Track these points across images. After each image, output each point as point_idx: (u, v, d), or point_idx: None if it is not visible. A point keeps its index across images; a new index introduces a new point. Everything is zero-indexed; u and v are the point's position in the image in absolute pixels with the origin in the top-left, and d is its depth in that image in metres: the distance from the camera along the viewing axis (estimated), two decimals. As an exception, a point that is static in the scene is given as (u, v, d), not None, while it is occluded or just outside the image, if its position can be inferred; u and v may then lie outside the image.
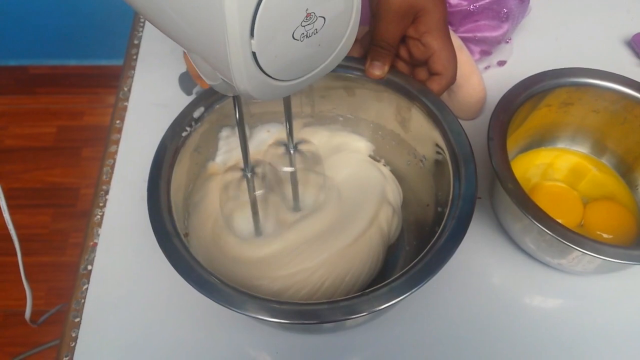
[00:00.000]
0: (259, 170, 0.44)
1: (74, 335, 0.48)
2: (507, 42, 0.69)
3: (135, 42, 0.67)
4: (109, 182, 0.56)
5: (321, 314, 0.35)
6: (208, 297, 0.36)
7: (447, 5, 0.61)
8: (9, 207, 0.53)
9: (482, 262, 0.53)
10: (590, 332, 0.50)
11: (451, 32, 0.59)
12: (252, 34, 0.28)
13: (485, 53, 0.65)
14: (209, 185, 0.50)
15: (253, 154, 0.50)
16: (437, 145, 0.46)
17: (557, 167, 0.57)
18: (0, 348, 1.21)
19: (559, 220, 0.52)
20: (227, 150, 0.51)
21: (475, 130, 0.61)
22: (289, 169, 0.46)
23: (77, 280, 0.51)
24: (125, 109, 0.62)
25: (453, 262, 0.52)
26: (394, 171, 0.54)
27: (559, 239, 0.44)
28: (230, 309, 0.36)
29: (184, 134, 0.46)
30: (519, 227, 0.50)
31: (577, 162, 0.57)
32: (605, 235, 0.52)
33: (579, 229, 0.53)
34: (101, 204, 0.55)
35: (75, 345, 0.47)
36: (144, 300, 0.50)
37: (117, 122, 0.60)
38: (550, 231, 0.45)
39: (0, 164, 1.42)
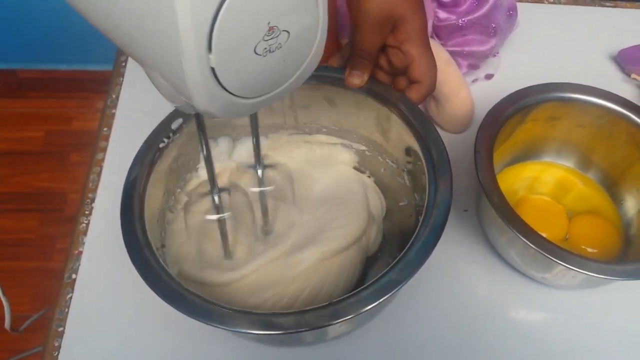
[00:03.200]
0: (225, 192, 0.43)
1: (56, 344, 0.47)
2: (495, 55, 0.69)
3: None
4: (95, 190, 0.56)
5: (286, 324, 0.35)
6: (173, 307, 0.36)
7: (436, 19, 0.61)
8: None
9: (467, 274, 0.53)
10: (574, 346, 0.50)
11: (439, 46, 0.59)
12: (209, 49, 0.26)
13: (473, 67, 0.66)
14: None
15: (235, 167, 0.50)
16: (415, 153, 0.46)
17: (543, 181, 0.58)
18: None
19: (544, 234, 0.52)
20: (236, 177, 0.50)
21: (463, 143, 0.61)
22: (257, 189, 0.46)
23: (61, 289, 0.50)
24: (113, 116, 0.61)
25: (437, 273, 0.53)
26: (378, 182, 0.54)
27: (543, 253, 0.45)
28: (195, 319, 0.36)
29: (161, 145, 0.46)
30: (504, 240, 0.51)
31: (563, 176, 0.58)
32: (589, 250, 0.53)
33: (564, 242, 0.54)
34: (87, 212, 0.55)
35: (58, 355, 0.47)
36: (128, 311, 0.49)
37: (105, 129, 0.60)
38: (534, 245, 0.45)
39: (-6, 168, 1.41)
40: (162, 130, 0.47)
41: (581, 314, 0.52)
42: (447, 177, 0.43)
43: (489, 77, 0.68)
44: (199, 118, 0.38)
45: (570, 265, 0.44)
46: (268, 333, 0.36)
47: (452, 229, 0.56)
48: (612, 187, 0.56)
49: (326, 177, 0.53)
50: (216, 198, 0.43)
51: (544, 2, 0.76)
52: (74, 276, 0.51)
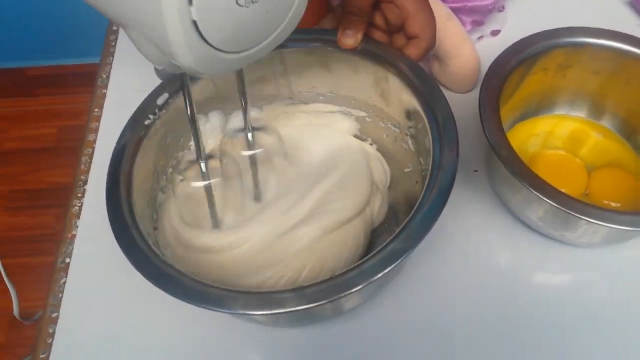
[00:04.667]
0: (214, 158, 0.41)
1: (51, 331, 0.46)
2: (500, 10, 0.65)
3: (114, 28, 0.65)
4: (87, 172, 0.54)
5: (284, 301, 0.33)
6: (163, 290, 0.34)
7: (436, -28, 0.58)
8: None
9: (481, 238, 0.50)
10: (600, 308, 0.46)
11: (438, 0, 0.56)
12: (190, 1, 0.26)
13: (478, 23, 0.62)
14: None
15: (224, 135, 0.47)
16: (417, 114, 0.43)
17: (557, 135, 0.54)
18: (8, 350, 1.21)
19: (565, 190, 0.49)
20: (225, 143, 0.48)
21: (470, 103, 0.58)
22: (247, 153, 0.43)
23: (55, 274, 0.48)
24: (104, 96, 0.59)
25: (448, 240, 0.50)
26: (381, 149, 0.51)
27: (561, 207, 0.41)
28: (189, 302, 0.34)
29: (146, 122, 0.43)
30: (518, 198, 0.47)
31: (579, 128, 0.54)
32: (612, 204, 0.49)
33: (584, 198, 0.50)
34: (79, 195, 0.53)
35: (52, 342, 0.45)
36: (123, 294, 0.47)
37: (96, 110, 0.58)
38: (550, 200, 0.42)
39: (1, 167, 1.41)
40: (147, 107, 0.44)
41: (606, 273, 0.48)
42: (453, 135, 0.40)
43: (495, 33, 0.64)
44: (183, 79, 0.36)
45: (591, 218, 0.40)
46: (266, 313, 0.33)
47: (462, 191, 0.52)
48: (631, 135, 0.52)
49: (325, 147, 0.50)
50: (203, 165, 0.41)
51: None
52: (67, 260, 0.49)
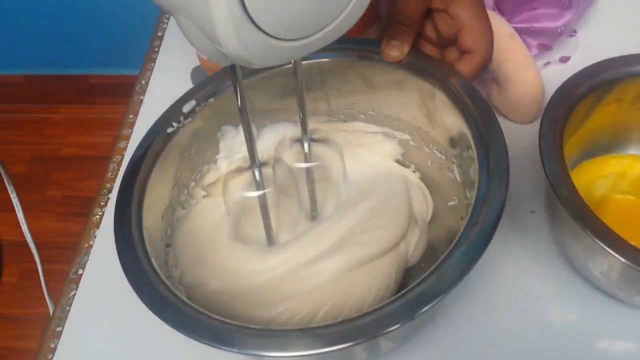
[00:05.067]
0: (268, 168, 0.37)
1: (52, 346, 0.43)
2: (572, 35, 0.59)
3: (159, 34, 0.63)
4: (113, 180, 0.52)
5: (287, 341, 0.28)
6: (156, 315, 0.30)
7: (500, -10, 0.53)
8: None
9: (534, 290, 0.44)
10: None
11: (500, 18, 0.51)
12: None
13: (545, 47, 0.56)
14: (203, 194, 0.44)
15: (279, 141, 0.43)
16: (464, 137, 0.37)
17: (630, 178, 0.47)
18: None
19: (632, 243, 0.42)
20: (229, 153, 0.44)
21: (530, 136, 0.52)
22: (304, 165, 0.39)
23: (65, 285, 0.46)
24: (140, 102, 0.57)
25: (495, 288, 0.44)
26: (424, 178, 0.46)
27: (629, 263, 0.35)
28: (177, 330, 0.30)
29: (169, 130, 0.40)
30: (580, 248, 0.41)
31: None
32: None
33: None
34: (102, 203, 0.51)
35: (52, 358, 0.42)
36: (133, 315, 0.44)
37: (131, 116, 0.56)
38: (617, 253, 0.35)
39: (56, 172, 1.44)
40: (172, 114, 0.42)
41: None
42: (503, 166, 0.34)
43: (564, 60, 0.58)
44: (234, 71, 0.33)
45: None
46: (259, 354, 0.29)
47: (515, 234, 0.46)
48: None
49: (362, 170, 0.46)
50: (257, 173, 0.37)
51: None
52: (80, 272, 0.46)
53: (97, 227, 0.49)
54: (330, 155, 0.40)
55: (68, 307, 0.45)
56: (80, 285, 0.46)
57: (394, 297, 0.29)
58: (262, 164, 0.38)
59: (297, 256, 0.39)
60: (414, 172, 0.46)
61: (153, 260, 0.34)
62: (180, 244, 0.41)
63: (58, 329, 0.44)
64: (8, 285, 1.27)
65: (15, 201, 0.58)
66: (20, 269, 1.26)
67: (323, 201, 0.44)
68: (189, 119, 0.41)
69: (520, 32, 0.54)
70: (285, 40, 0.26)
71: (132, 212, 0.36)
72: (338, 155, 0.41)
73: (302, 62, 0.43)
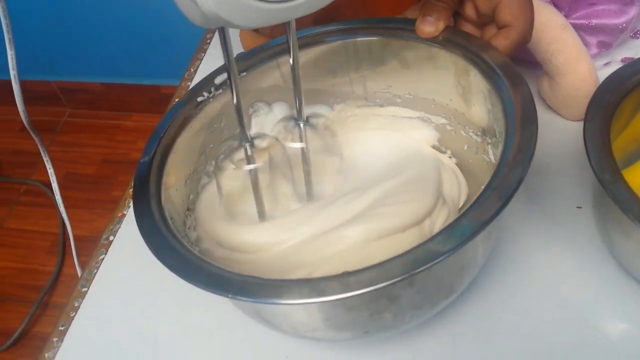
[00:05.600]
0: (261, 142, 0.37)
1: (76, 305, 0.44)
2: (637, 36, 0.56)
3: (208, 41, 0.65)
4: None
5: (282, 290, 0.27)
6: (181, 276, 0.30)
7: (557, -16, 0.51)
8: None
9: (577, 288, 0.40)
10: None
11: (552, 8, 0.48)
12: None
13: (605, 45, 0.53)
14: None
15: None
16: (498, 114, 0.35)
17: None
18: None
19: None
20: (260, 130, 0.44)
21: (582, 133, 0.49)
22: (298, 145, 0.39)
23: (96, 250, 0.47)
24: (187, 88, 0.59)
25: (538, 282, 0.40)
26: (461, 165, 0.44)
27: None
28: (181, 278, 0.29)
29: (199, 99, 0.41)
30: (630, 245, 0.37)
31: None
32: None
33: None
34: (140, 177, 0.52)
35: (74, 316, 0.43)
36: (157, 284, 0.44)
37: (176, 100, 0.58)
38: None
39: (124, 174, 1.50)
40: (205, 85, 0.42)
41: None
42: (532, 128, 0.32)
43: (626, 61, 0.54)
44: (223, 34, 0.32)
45: None
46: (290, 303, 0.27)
47: (559, 228, 0.43)
48: None
49: (395, 153, 0.44)
50: (248, 148, 0.37)
51: None
52: (111, 238, 0.47)
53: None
54: (324, 136, 0.40)
55: (95, 270, 0.45)
56: (109, 250, 0.47)
57: (400, 254, 0.27)
58: (253, 138, 0.37)
59: (321, 224, 0.38)
60: (450, 157, 0.44)
61: (166, 214, 0.34)
62: (201, 210, 0.41)
63: (83, 290, 0.44)
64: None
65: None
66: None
67: (320, 180, 0.43)
68: (220, 90, 0.42)
69: (579, 28, 0.52)
70: (266, 1, 0.25)
71: (153, 169, 0.37)
72: (332, 136, 0.41)
73: (338, 41, 0.44)
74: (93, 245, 0.58)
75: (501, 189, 0.29)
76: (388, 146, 0.45)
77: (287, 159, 0.40)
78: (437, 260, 0.27)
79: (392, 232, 0.36)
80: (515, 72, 0.36)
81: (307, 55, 0.44)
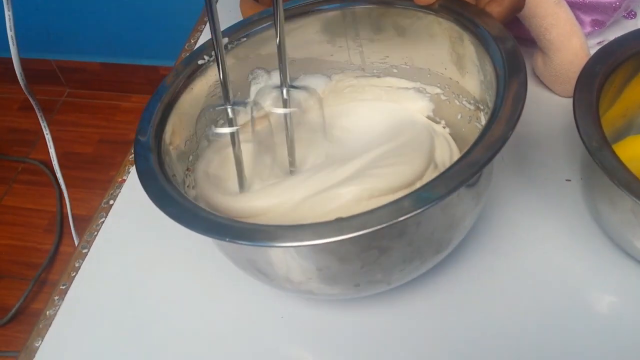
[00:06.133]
0: (243, 107, 0.38)
1: (77, 265, 0.45)
2: (631, 17, 0.57)
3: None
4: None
5: (273, 235, 0.28)
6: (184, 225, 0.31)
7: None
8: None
9: (567, 261, 0.41)
10: None
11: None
12: None
13: (599, 24, 0.54)
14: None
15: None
16: (491, 79, 0.36)
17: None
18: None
19: None
20: (259, 97, 0.45)
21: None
22: (282, 111, 0.40)
23: (97, 213, 0.48)
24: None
25: (525, 254, 0.41)
26: (454, 134, 0.45)
27: None
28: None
29: (200, 62, 0.42)
30: (616, 217, 0.38)
31: None
32: None
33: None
34: (140, 145, 0.53)
35: (75, 276, 0.44)
36: (152, 248, 0.45)
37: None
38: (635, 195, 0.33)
39: (122, 155, 1.50)
40: (206, 49, 0.43)
41: None
42: (520, 75, 0.33)
43: (620, 40, 0.55)
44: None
45: None
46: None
47: (548, 201, 0.44)
48: None
49: (388, 121, 0.46)
50: (230, 111, 0.38)
51: None
52: (111, 202, 0.48)
53: (132, 164, 0.51)
54: (310, 103, 0.41)
55: (96, 233, 0.46)
56: (109, 214, 0.48)
57: (390, 202, 0.28)
58: (236, 103, 0.39)
59: (314, 186, 0.39)
60: (444, 127, 0.45)
61: (166, 168, 0.35)
62: (199, 171, 0.42)
63: (84, 251, 0.45)
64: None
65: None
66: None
67: (307, 148, 0.44)
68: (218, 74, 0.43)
69: (573, 6, 0.52)
70: None
71: (153, 123, 0.37)
72: (318, 103, 0.42)
73: (335, 9, 0.44)
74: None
75: (486, 145, 0.30)
76: (383, 116, 0.46)
77: (272, 130, 0.41)
78: (426, 206, 0.28)
79: (384, 193, 0.37)
80: (507, 38, 0.37)
81: (305, 23, 0.44)
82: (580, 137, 0.36)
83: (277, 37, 0.38)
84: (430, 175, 0.40)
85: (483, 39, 0.37)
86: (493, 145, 0.30)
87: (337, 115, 0.47)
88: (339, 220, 0.28)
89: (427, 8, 0.41)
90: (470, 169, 0.29)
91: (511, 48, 0.36)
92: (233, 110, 0.38)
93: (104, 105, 1.59)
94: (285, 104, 0.41)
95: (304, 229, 0.28)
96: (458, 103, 0.43)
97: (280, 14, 0.37)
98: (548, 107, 0.50)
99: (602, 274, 0.41)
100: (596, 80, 0.39)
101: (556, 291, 0.40)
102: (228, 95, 0.37)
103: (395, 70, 0.47)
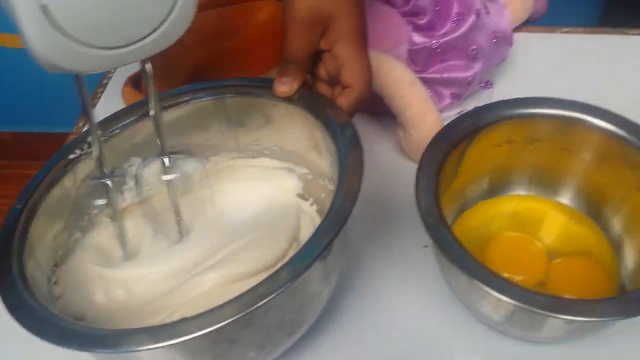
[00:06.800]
0: (122, 178, 0.40)
1: None
2: (487, 87, 0.63)
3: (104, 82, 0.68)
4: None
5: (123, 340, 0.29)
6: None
7: (410, 44, 0.57)
8: None
9: (426, 330, 0.44)
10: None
11: (404, 66, 0.54)
12: None
13: (457, 96, 0.59)
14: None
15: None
16: (336, 165, 0.40)
17: (523, 217, 0.49)
18: None
19: (519, 277, 0.44)
20: (136, 184, 0.46)
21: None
22: (165, 177, 0.41)
23: None
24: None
25: (388, 321, 0.44)
26: (321, 210, 0.48)
27: (474, 278, 0.36)
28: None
29: (71, 156, 0.43)
30: (461, 283, 0.42)
31: (546, 211, 0.49)
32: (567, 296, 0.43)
33: (539, 288, 0.44)
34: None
35: None
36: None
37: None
38: (468, 273, 0.36)
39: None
40: (78, 143, 0.44)
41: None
42: (358, 177, 0.36)
43: (478, 109, 0.61)
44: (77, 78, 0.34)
45: (498, 293, 0.34)
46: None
47: (406, 267, 0.48)
48: (601, 218, 0.47)
49: (260, 202, 0.48)
50: (109, 183, 0.39)
51: (555, 32, 0.70)
52: None
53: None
54: (193, 170, 0.43)
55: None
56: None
57: (230, 299, 0.31)
58: (114, 175, 0.40)
59: (181, 269, 0.41)
60: (311, 204, 0.48)
61: (27, 271, 0.36)
62: (73, 263, 0.42)
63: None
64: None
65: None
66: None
67: (188, 220, 0.46)
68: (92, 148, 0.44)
69: (434, 82, 0.58)
70: (95, 47, 0.28)
71: (19, 226, 0.38)
72: (202, 168, 0.44)
73: (208, 99, 0.47)
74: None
75: (324, 229, 0.33)
76: (256, 196, 0.49)
77: (155, 200, 0.43)
78: (264, 300, 0.30)
79: (246, 277, 0.40)
80: (350, 125, 0.41)
81: (180, 112, 0.47)
82: (420, 212, 0.40)
83: (151, 108, 0.39)
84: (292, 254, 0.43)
85: (331, 127, 0.41)
86: (330, 229, 0.33)
87: (216, 195, 0.50)
88: (183, 320, 0.30)
89: (287, 99, 0.44)
90: (305, 261, 0.32)
91: (352, 135, 0.40)
92: (113, 182, 0.39)
93: (15, 175, 1.55)
94: (166, 172, 0.42)
95: (147, 332, 0.29)
96: (321, 182, 0.47)
97: (155, 84, 0.39)
98: (410, 175, 0.54)
99: (460, 339, 0.44)
100: (436, 159, 0.43)
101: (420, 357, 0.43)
102: (104, 171, 0.39)
103: (267, 152, 0.50)
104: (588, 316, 0.34)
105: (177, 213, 0.44)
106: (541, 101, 0.46)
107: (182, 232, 0.45)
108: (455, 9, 0.55)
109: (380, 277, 0.47)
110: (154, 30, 0.30)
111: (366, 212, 0.52)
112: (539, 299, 0.35)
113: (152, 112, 0.39)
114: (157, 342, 0.29)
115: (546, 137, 0.47)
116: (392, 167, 0.55)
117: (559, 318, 0.35)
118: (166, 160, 0.41)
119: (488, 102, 0.60)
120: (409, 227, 0.50)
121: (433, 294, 0.46)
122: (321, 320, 0.41)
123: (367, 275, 0.48)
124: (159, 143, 0.41)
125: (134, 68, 0.57)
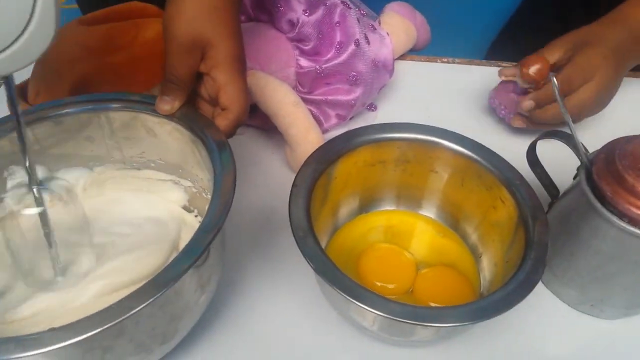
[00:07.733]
0: None
1: None
2: (372, 109, 0.68)
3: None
4: None
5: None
6: None
7: (298, 67, 0.60)
8: None
9: (301, 334, 0.47)
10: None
11: (288, 88, 0.57)
12: None
13: (342, 117, 0.63)
14: None
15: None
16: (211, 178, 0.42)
17: (396, 230, 0.53)
18: None
19: (391, 286, 0.48)
20: (16, 192, 0.45)
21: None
22: (35, 211, 0.40)
23: None
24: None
25: (263, 328, 0.47)
26: (204, 222, 0.50)
27: (336, 287, 0.39)
28: None
29: None
30: (334, 294, 0.45)
31: (416, 225, 0.53)
32: (433, 305, 0.47)
33: (408, 296, 0.48)
34: None
35: None
36: None
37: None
38: (327, 281, 0.39)
39: None
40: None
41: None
42: (228, 199, 0.39)
43: (362, 130, 0.65)
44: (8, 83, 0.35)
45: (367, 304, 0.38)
46: None
47: (286, 281, 0.51)
48: (466, 238, 0.52)
49: (146, 213, 0.49)
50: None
51: (437, 62, 0.76)
52: None
53: None
54: (65, 200, 0.43)
55: None
56: None
57: (97, 312, 0.32)
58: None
59: (62, 284, 0.42)
60: (196, 216, 0.50)
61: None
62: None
63: None
64: None
65: None
66: None
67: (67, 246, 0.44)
68: None
69: (320, 103, 0.62)
70: None
71: None
72: (73, 199, 0.43)
73: (91, 111, 0.48)
74: None
75: (188, 251, 0.35)
76: (140, 207, 0.50)
77: (24, 230, 0.43)
78: (129, 314, 0.31)
79: (126, 285, 0.41)
80: (225, 145, 0.43)
81: (63, 123, 0.47)
82: (291, 227, 0.43)
83: (18, 137, 0.39)
84: None
85: (210, 147, 0.43)
86: (190, 254, 0.35)
87: (99, 206, 0.50)
88: (51, 330, 0.31)
89: (168, 117, 0.46)
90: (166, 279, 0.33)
91: (227, 155, 0.42)
92: None
93: None
94: (37, 203, 0.41)
95: (15, 341, 0.30)
96: (205, 196, 0.48)
97: (21, 118, 0.39)
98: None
99: (334, 341, 0.47)
100: (311, 175, 0.46)
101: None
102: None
103: (152, 164, 0.51)
104: (438, 322, 0.38)
105: (49, 237, 0.42)
106: (405, 126, 0.50)
107: (57, 271, 0.44)
108: (338, 37, 0.59)
109: (257, 288, 0.50)
110: (7, 48, 0.30)
111: (250, 225, 0.55)
112: (395, 308, 0.38)
113: (18, 140, 0.38)
114: (23, 351, 0.29)
115: (414, 159, 0.51)
116: (279, 181, 0.58)
117: (415, 325, 0.38)
118: (35, 190, 0.40)
119: (372, 123, 0.66)
120: (290, 239, 0.53)
121: (312, 304, 0.49)
122: (196, 332, 0.42)
123: (248, 286, 0.50)
124: (27, 172, 0.40)
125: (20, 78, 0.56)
